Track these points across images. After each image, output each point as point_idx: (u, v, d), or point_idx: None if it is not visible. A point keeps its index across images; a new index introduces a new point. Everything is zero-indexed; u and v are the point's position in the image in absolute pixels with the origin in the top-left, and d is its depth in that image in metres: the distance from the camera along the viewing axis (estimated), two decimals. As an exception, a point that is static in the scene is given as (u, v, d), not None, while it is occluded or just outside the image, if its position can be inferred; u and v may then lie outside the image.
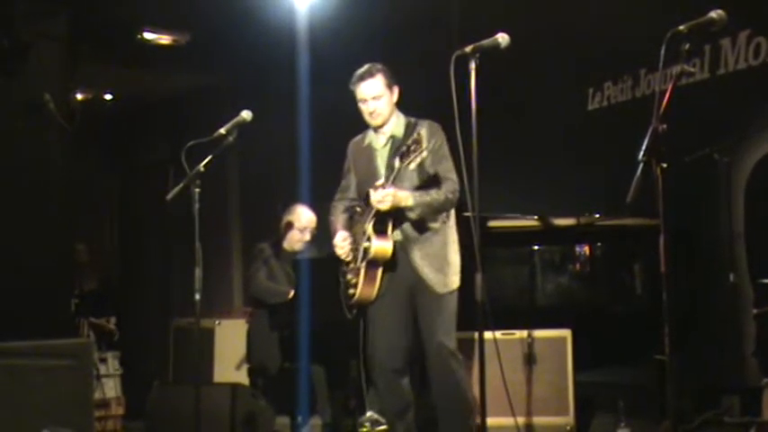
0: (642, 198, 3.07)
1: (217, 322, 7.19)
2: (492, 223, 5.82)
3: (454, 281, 4.50)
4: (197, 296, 4.27)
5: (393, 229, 4.47)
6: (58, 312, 6.50)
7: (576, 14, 6.94)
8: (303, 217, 6.25)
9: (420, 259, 4.48)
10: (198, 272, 4.23)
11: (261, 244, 6.33)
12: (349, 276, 4.62)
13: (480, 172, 3.88)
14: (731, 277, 5.47)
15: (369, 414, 5.42)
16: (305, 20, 7.55)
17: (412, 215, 4.42)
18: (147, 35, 8.11)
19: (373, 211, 4.41)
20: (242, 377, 6.73)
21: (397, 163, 4.28)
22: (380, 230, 4.43)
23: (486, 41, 3.84)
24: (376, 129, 4.63)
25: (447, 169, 4.48)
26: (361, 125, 4.75)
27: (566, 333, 5.25)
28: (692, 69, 6.03)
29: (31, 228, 6.28)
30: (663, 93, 3.13)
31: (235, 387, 5.43)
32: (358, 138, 4.79)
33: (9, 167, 6.27)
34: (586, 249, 5.93)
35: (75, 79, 7.14)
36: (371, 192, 4.36)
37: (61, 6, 6.67)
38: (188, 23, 8.07)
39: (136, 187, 11.24)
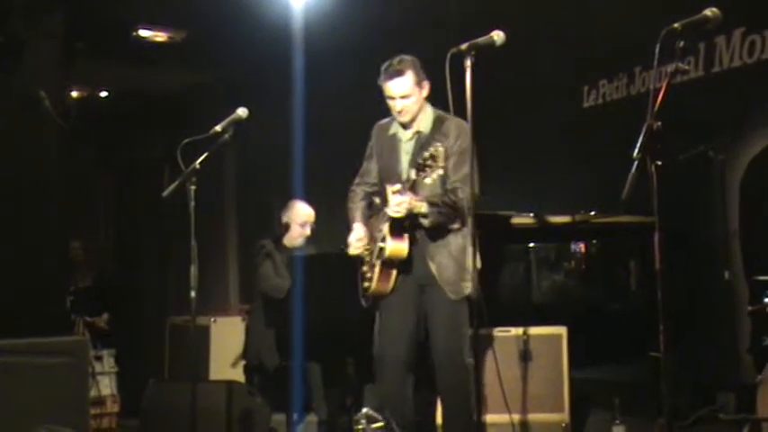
0: (637, 196, 3.07)
1: (213, 320, 7.19)
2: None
3: (467, 287, 4.38)
4: (193, 294, 4.28)
5: (410, 231, 4.42)
6: (54, 310, 6.49)
7: (571, 12, 6.94)
8: (302, 212, 6.28)
9: (435, 265, 4.45)
10: (194, 269, 4.23)
11: (263, 241, 6.36)
12: (365, 269, 4.60)
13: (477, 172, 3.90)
14: (726, 275, 5.48)
15: (365, 411, 5.41)
16: (300, 17, 7.55)
17: (425, 222, 4.36)
18: (143, 32, 8.11)
19: (385, 222, 4.40)
20: (238, 375, 6.74)
21: (412, 175, 4.23)
22: (397, 231, 4.39)
23: (481, 39, 3.84)
24: (403, 125, 4.57)
25: (466, 175, 4.24)
26: (357, 123, 4.75)
27: (561, 330, 5.26)
28: (687, 67, 5.99)
29: (27, 225, 6.27)
30: (658, 90, 3.13)
31: (231, 384, 5.43)
32: (385, 122, 4.70)
33: (4, 164, 6.26)
34: (582, 247, 5.94)
35: (71, 76, 7.14)
36: (389, 197, 4.31)
37: (57, 3, 6.65)
38: (184, 21, 8.06)
39: (132, 185, 11.23)
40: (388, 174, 4.54)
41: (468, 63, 3.78)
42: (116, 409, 6.95)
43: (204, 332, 7.08)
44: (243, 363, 6.75)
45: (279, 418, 6.00)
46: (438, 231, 4.44)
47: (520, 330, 5.25)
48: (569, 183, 6.81)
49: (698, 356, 5.68)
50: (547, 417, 5.15)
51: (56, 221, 6.55)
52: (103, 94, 10.12)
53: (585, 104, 7.15)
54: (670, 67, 3.19)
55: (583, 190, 6.61)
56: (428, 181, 4.18)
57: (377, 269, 4.47)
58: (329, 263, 5.74)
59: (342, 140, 4.85)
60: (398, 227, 4.38)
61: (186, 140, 4.27)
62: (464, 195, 4.34)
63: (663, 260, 3.12)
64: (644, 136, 3.08)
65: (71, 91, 7.70)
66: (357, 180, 4.81)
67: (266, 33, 7.68)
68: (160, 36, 8.21)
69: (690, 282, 5.68)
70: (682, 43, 3.14)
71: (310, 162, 7.32)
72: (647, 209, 3.12)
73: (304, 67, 7.65)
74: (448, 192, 4.39)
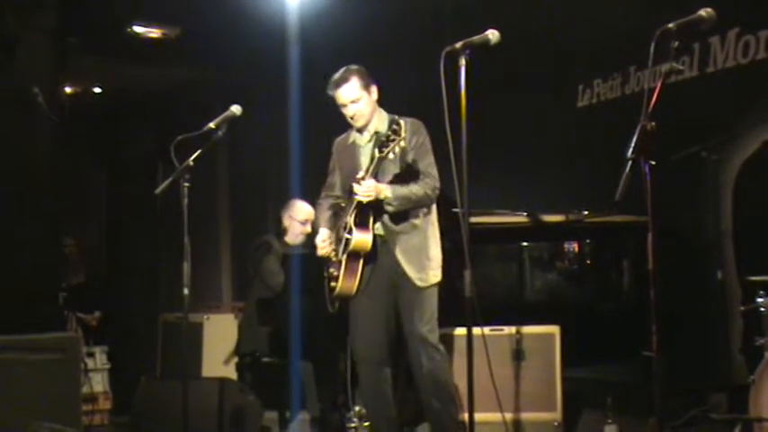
0: (630, 195, 3.07)
1: (205, 317, 7.18)
2: (479, 219, 5.82)
3: (434, 275, 4.59)
4: (185, 291, 4.27)
5: (374, 223, 4.55)
6: (46, 307, 6.47)
7: (565, 11, 6.94)
8: (303, 211, 6.30)
9: (401, 253, 4.56)
10: (186, 266, 4.23)
11: (266, 237, 6.38)
12: (331, 270, 4.69)
13: (469, 168, 3.89)
14: (719, 274, 5.49)
15: (357, 409, 5.42)
16: (296, 14, 7.54)
17: (390, 208, 4.50)
18: (137, 29, 8.09)
19: (354, 204, 4.48)
20: (230, 372, 6.72)
21: (376, 153, 4.37)
22: (361, 223, 4.52)
23: (476, 38, 3.85)
24: (359, 129, 4.71)
25: (428, 164, 4.57)
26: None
27: (554, 329, 5.26)
28: (681, 67, 6.05)
29: (19, 221, 6.25)
30: (652, 90, 3.14)
31: (223, 382, 5.43)
32: (342, 136, 4.87)
33: (-3, 160, 6.25)
34: (575, 246, 5.94)
35: (65, 73, 7.11)
36: (355, 185, 4.41)
37: (51, -1, 6.64)
38: (178, 17, 8.04)
39: (125, 181, 11.20)
40: (352, 180, 4.60)
41: (463, 62, 3.79)
42: (108, 405, 6.94)
43: (197, 329, 7.06)
44: (235, 360, 6.74)
45: (271, 415, 5.99)
46: (402, 220, 4.57)
47: (513, 329, 5.26)
48: (563, 182, 6.82)
49: (690, 356, 5.68)
50: (539, 416, 5.15)
51: (49, 218, 6.53)
52: (97, 90, 10.09)
53: (580, 104, 7.16)
54: (664, 67, 3.19)
55: (576, 189, 6.62)
56: (390, 156, 4.35)
57: (342, 265, 4.57)
58: (321, 261, 5.73)
59: (337, 137, 4.85)
60: (364, 216, 4.51)
61: (180, 137, 4.27)
62: (427, 182, 4.53)
63: (656, 260, 3.12)
64: (638, 136, 3.09)
65: (64, 87, 7.67)
66: (323, 193, 4.97)
67: (261, 30, 7.67)
68: (154, 32, 8.20)
69: (682, 282, 5.69)
70: (676, 43, 3.15)
71: (305, 160, 7.32)
72: (641, 209, 3.13)
73: (299, 63, 7.65)
74: (411, 179, 4.52)
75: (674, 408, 5.35)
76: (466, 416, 3.94)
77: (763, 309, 4.59)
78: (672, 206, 4.00)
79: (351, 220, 4.51)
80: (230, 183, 10.42)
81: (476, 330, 3.95)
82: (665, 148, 3.23)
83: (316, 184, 5.04)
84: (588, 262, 5.97)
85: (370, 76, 4.67)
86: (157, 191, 4.30)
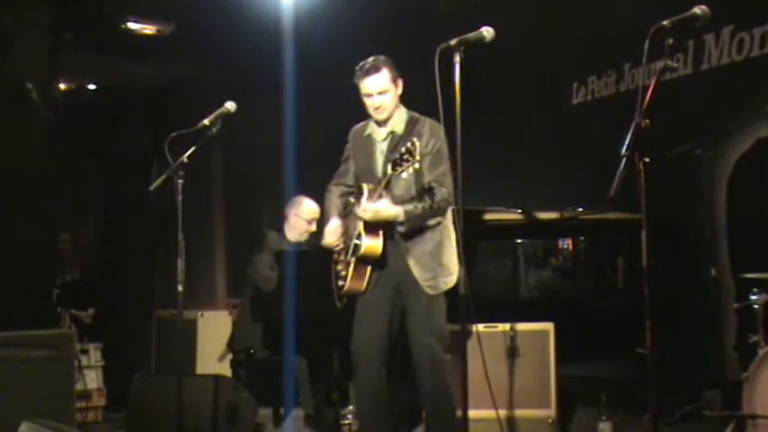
0: (625, 193, 3.08)
1: (200, 314, 7.18)
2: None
3: (444, 283, 4.46)
4: (180, 287, 4.27)
5: (386, 230, 4.46)
6: (40, 303, 6.47)
7: (560, 8, 6.95)
8: (308, 208, 6.27)
9: (413, 260, 4.47)
10: (181, 263, 4.23)
11: (268, 231, 6.37)
12: (339, 267, 4.64)
13: (464, 165, 3.89)
14: (712, 272, 5.49)
15: (351, 406, 5.42)
16: (291, 10, 7.53)
17: (401, 228, 4.44)
18: (132, 25, 8.06)
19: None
20: (225, 369, 6.73)
21: (389, 170, 4.25)
22: (372, 229, 4.43)
23: (470, 35, 3.85)
24: (379, 122, 4.60)
25: (442, 173, 4.43)
26: (347, 117, 4.74)
27: (548, 326, 5.27)
28: (676, 65, 6.06)
29: (14, 218, 6.24)
30: (646, 88, 3.14)
31: (217, 378, 5.43)
32: (360, 126, 4.76)
33: (-9, 156, 6.25)
34: (569, 243, 5.95)
35: (59, 68, 7.10)
36: (363, 199, 4.37)
37: (45, -6, 6.63)
38: (173, 14, 8.03)
39: (119, 178, 11.18)
40: (365, 174, 4.60)
41: (458, 59, 3.79)
42: (102, 402, 6.94)
43: (191, 326, 7.07)
44: (230, 357, 6.75)
45: (265, 412, 6.00)
46: (416, 228, 4.49)
47: (507, 326, 5.26)
48: (557, 179, 6.82)
49: (684, 353, 5.69)
50: (533, 413, 5.16)
51: (43, 214, 6.52)
52: (91, 86, 10.07)
53: (574, 101, 7.17)
54: (659, 65, 3.19)
55: (571, 186, 6.62)
56: (404, 176, 4.22)
57: (351, 267, 4.51)
58: (316, 258, 5.73)
59: (332, 135, 4.84)
60: (373, 225, 4.43)
61: (174, 134, 4.26)
62: (440, 194, 4.41)
63: (650, 257, 3.12)
64: (632, 133, 3.09)
65: (59, 83, 7.65)
66: (334, 180, 4.87)
67: (256, 27, 7.66)
68: (149, 29, 8.17)
69: (676, 279, 5.70)
70: (671, 41, 3.15)
71: (300, 157, 7.31)
72: (635, 206, 3.13)
73: (294, 60, 7.64)
74: (425, 192, 4.42)
75: (667, 405, 5.36)
76: (460, 413, 3.94)
77: (756, 306, 4.61)
78: (666, 203, 4.01)
79: (361, 225, 4.43)
80: (225, 179, 10.41)
81: (470, 327, 3.95)
82: (659, 146, 3.23)
83: (310, 181, 5.05)
84: (583, 259, 5.98)
85: (398, 70, 4.55)
86: (152, 187, 4.30)
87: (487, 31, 3.86)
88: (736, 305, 5.09)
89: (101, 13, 7.76)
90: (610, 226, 5.88)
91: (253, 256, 6.24)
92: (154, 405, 5.19)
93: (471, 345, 3.98)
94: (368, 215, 4.34)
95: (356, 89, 4.58)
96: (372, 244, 4.42)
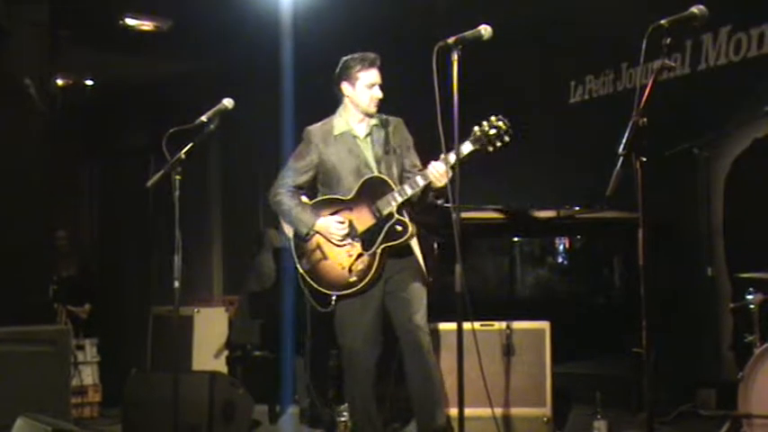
0: (622, 192, 3.08)
1: (196, 310, 7.17)
2: (471, 215, 5.83)
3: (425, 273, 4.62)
4: (176, 284, 4.26)
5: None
6: (37, 299, 6.47)
7: (558, 8, 6.95)
8: None
9: (415, 246, 4.55)
10: (177, 259, 4.22)
11: (269, 230, 6.37)
12: (343, 263, 4.56)
13: (461, 164, 3.90)
14: (709, 271, 5.51)
15: (347, 404, 5.42)
16: (289, 7, 7.53)
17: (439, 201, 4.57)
18: (129, 21, 8.06)
19: (405, 194, 4.42)
20: (221, 365, 6.73)
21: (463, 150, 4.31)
22: (404, 215, 4.51)
23: (468, 33, 3.85)
24: (367, 116, 4.61)
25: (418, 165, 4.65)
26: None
27: (544, 325, 5.27)
28: (673, 64, 6.06)
29: (11, 214, 6.24)
30: (644, 87, 3.14)
31: (213, 375, 5.42)
32: (321, 125, 4.71)
33: (-12, 152, 6.24)
34: (566, 242, 5.95)
35: (56, 65, 7.10)
36: (433, 168, 4.35)
37: (43, -10, 6.63)
38: (170, 10, 8.02)
39: (116, 174, 11.18)
40: (352, 173, 4.57)
41: (455, 57, 3.79)
42: (98, 398, 6.93)
43: (187, 323, 7.06)
44: (226, 353, 6.75)
45: (261, 408, 6.00)
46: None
47: (503, 325, 5.26)
48: (554, 178, 6.83)
49: (680, 352, 5.71)
50: (529, 411, 5.16)
51: (40, 210, 6.52)
52: (89, 82, 10.06)
53: (572, 100, 7.17)
54: (656, 64, 3.20)
55: (568, 185, 6.62)
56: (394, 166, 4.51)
57: (377, 257, 4.47)
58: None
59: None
60: (402, 211, 4.48)
61: (172, 130, 4.25)
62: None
63: (646, 256, 3.13)
64: (630, 132, 3.09)
65: (56, 79, 7.65)
66: (282, 188, 4.73)
67: (254, 22, 7.66)
68: (146, 25, 8.17)
69: (673, 278, 5.71)
70: (668, 40, 3.15)
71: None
72: (632, 205, 3.13)
73: (292, 57, 7.64)
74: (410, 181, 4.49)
75: (663, 403, 5.37)
76: (455, 411, 3.94)
77: (752, 306, 4.62)
78: (663, 203, 4.01)
79: (395, 210, 4.45)
80: (222, 176, 10.40)
81: (466, 325, 3.95)
82: (656, 145, 3.24)
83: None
84: (579, 258, 5.98)
85: (399, 66, 4.71)
86: (149, 183, 4.29)
87: (485, 30, 3.87)
88: (732, 305, 5.11)
89: (98, 8, 7.76)
90: (606, 225, 5.88)
91: (254, 255, 6.25)
92: (150, 401, 5.18)
93: (467, 343, 3.97)
94: (445, 179, 4.28)
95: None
96: (413, 228, 4.49)
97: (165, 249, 4.57)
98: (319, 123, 4.73)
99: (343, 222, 4.55)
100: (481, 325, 5.00)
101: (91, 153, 11.35)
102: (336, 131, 4.65)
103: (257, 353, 6.29)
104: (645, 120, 3.10)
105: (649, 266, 3.12)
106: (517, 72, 7.19)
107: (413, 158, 4.65)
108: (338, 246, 4.56)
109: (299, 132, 4.80)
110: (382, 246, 4.47)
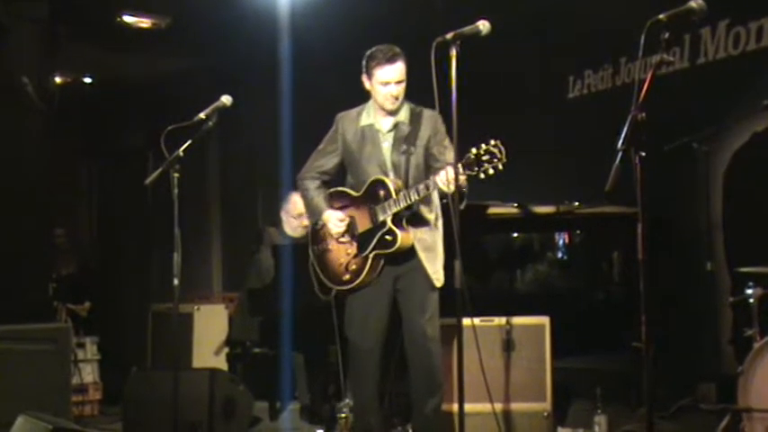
0: (621, 187, 3.08)
1: (196, 307, 7.18)
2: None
3: (440, 277, 4.48)
4: (176, 281, 4.26)
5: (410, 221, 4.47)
6: (37, 297, 6.47)
7: (556, 3, 6.95)
8: (294, 205, 6.26)
9: (422, 252, 4.47)
10: (177, 257, 4.22)
11: (267, 227, 6.38)
12: (341, 261, 4.57)
13: (460, 159, 3.90)
14: (708, 265, 5.50)
15: (347, 400, 5.42)
16: (287, 4, 7.52)
17: (430, 216, 4.50)
18: (127, 18, 8.05)
19: (400, 205, 4.35)
20: (221, 362, 6.73)
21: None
22: (398, 222, 4.42)
23: (466, 29, 3.84)
24: (386, 113, 4.52)
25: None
26: (343, 109, 4.70)
27: (544, 320, 5.27)
28: (672, 59, 6.06)
29: (10, 212, 6.24)
30: (643, 81, 3.14)
31: (214, 372, 5.43)
32: (351, 113, 4.64)
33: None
34: (565, 237, 5.95)
35: (55, 62, 7.09)
36: (440, 175, 4.20)
37: (41, -12, 6.62)
38: (168, 7, 8.02)
39: (115, 171, 11.18)
40: (369, 166, 4.53)
41: (454, 52, 3.79)
42: (98, 396, 6.93)
43: (187, 320, 7.06)
44: (226, 351, 6.75)
45: (262, 405, 6.00)
46: (419, 219, 4.49)
47: (503, 320, 5.26)
48: (553, 173, 6.82)
49: (679, 347, 5.71)
50: (529, 406, 5.16)
51: (39, 208, 6.52)
52: (87, 80, 10.05)
53: (570, 95, 7.17)
54: (655, 59, 3.19)
55: (567, 180, 6.62)
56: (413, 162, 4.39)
57: (369, 261, 4.46)
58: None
59: (329, 128, 4.78)
60: (400, 215, 4.41)
61: (170, 127, 4.25)
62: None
63: (645, 251, 3.12)
64: (628, 127, 3.09)
65: (54, 77, 7.64)
66: (310, 170, 4.72)
67: (252, 20, 7.65)
68: (144, 22, 8.16)
69: (672, 272, 5.71)
70: (667, 35, 3.15)
71: (296, 150, 7.30)
72: (631, 200, 3.13)
73: (290, 54, 7.64)
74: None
75: (663, 398, 5.37)
76: (456, 406, 3.94)
77: (752, 300, 4.61)
78: (662, 197, 4.01)
79: (389, 218, 4.38)
80: (221, 173, 10.40)
81: (466, 321, 3.95)
82: (655, 140, 3.23)
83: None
84: (578, 253, 5.99)
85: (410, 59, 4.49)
86: (147, 181, 4.29)
87: (483, 25, 3.86)
88: (731, 299, 5.11)
89: (96, 6, 7.75)
90: (606, 220, 5.88)
91: (253, 253, 6.25)
92: (150, 399, 5.19)
93: (467, 338, 3.97)
94: (453, 186, 4.02)
95: (354, 83, 4.56)
96: (406, 236, 4.42)
97: (165, 247, 4.56)
98: (351, 110, 4.64)
99: (343, 220, 4.55)
100: (481, 320, 5.00)
101: (90, 151, 11.34)
102: (362, 123, 4.58)
103: (257, 350, 6.29)
104: (644, 114, 3.10)
105: (649, 261, 3.12)
106: (516, 67, 7.18)
107: (444, 153, 4.44)
108: (338, 242, 4.57)
109: (298, 129, 4.80)
110: (374, 252, 4.46)
